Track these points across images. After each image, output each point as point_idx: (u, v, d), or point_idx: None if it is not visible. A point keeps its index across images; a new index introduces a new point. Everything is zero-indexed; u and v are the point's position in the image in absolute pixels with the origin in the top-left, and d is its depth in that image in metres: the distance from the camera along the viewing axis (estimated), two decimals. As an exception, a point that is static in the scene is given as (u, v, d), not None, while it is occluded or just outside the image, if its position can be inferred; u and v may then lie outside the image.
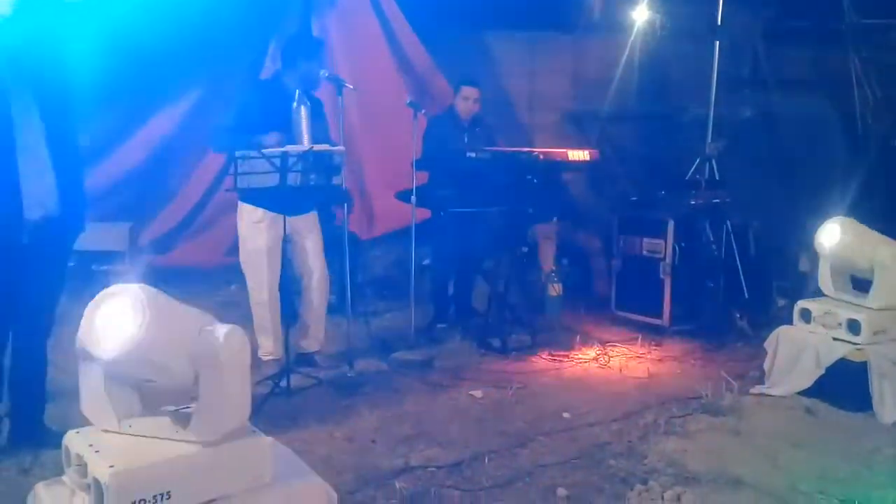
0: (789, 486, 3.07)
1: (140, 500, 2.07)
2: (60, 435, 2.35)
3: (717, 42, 6.24)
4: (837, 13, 8.08)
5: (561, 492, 3.02)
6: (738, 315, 5.39)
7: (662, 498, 2.96)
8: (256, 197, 4.06)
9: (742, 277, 5.66)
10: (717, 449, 3.41)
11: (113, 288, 2.20)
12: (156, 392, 2.35)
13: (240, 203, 4.21)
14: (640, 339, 5.06)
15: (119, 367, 2.21)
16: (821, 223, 4.32)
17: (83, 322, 2.18)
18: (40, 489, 2.32)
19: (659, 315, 5.29)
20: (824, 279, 4.23)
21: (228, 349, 2.19)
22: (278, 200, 3.97)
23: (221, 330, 2.21)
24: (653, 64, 7.57)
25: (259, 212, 4.12)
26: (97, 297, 2.19)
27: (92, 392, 2.29)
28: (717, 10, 6.17)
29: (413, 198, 4.74)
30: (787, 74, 7.94)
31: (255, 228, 4.15)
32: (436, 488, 3.03)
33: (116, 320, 2.13)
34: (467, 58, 7.13)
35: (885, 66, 7.56)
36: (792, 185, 6.97)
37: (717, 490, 3.03)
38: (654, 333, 5.18)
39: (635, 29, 7.21)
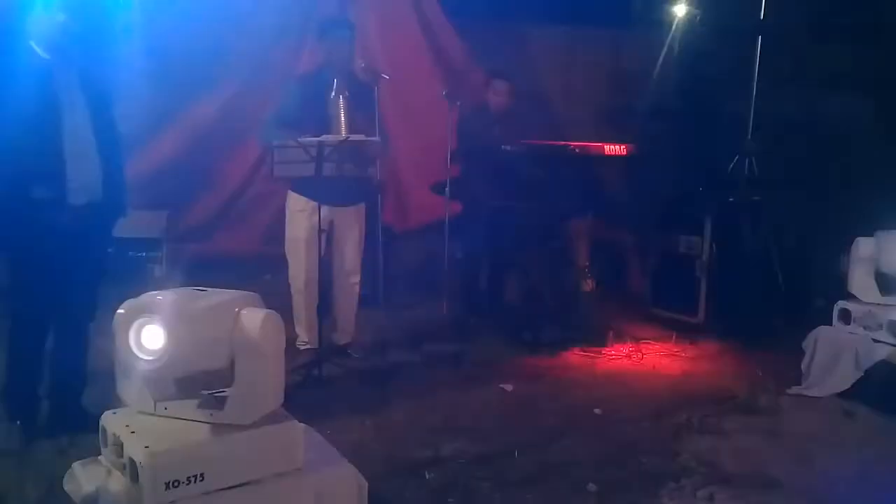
0: (826, 488, 3.01)
1: (174, 481, 2.10)
2: (97, 417, 2.39)
3: (760, 37, 6.13)
4: (882, 10, 7.90)
5: (591, 487, 3.00)
6: (775, 315, 5.29)
7: (695, 496, 2.93)
8: (301, 185, 4.10)
9: (780, 277, 5.56)
10: (751, 449, 3.37)
11: (144, 299, 2.20)
12: (191, 377, 2.37)
13: (288, 191, 4.26)
14: (674, 337, 5.00)
15: (157, 373, 2.21)
16: (861, 225, 4.24)
17: (119, 326, 2.19)
18: (77, 468, 2.36)
19: (694, 313, 5.22)
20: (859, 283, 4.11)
21: (264, 334, 2.21)
22: (318, 190, 4.00)
23: (258, 315, 2.23)
24: (692, 59, 7.47)
25: (302, 200, 4.15)
26: (129, 306, 2.19)
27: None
28: (761, 5, 6.06)
29: (447, 190, 4.73)
30: (829, 72, 7.79)
31: (297, 217, 4.19)
32: (465, 480, 3.03)
33: (148, 338, 2.14)
34: (504, 51, 7.09)
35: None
36: (833, 185, 6.83)
37: (752, 490, 2.98)
38: (689, 332, 5.11)
39: (674, 24, 7.12)
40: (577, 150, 4.83)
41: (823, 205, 6.48)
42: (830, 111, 7.26)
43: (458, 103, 4.81)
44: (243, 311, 2.24)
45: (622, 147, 5.03)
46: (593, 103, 7.75)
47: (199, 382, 2.36)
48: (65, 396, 3.37)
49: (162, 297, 2.18)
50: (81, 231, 3.19)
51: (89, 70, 3.23)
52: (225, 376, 2.26)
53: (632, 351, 4.77)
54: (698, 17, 7.13)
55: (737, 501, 2.90)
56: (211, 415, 2.26)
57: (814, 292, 5.70)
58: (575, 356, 4.69)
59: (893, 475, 3.16)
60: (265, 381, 2.25)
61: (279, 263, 4.95)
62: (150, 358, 2.13)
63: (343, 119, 4.03)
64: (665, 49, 7.35)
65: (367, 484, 2.42)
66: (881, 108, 7.61)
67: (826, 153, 7.07)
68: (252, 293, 2.39)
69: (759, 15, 6.12)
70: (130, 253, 6.20)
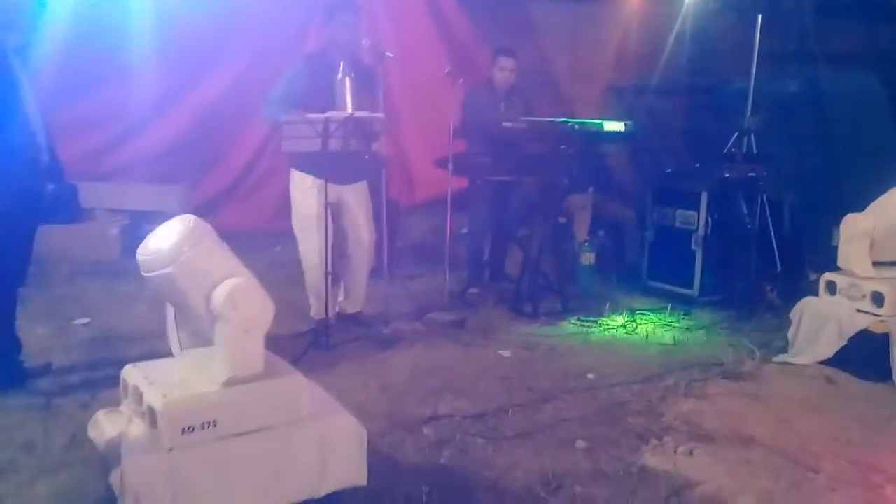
0: (800, 446, 3.19)
1: (189, 427, 2.31)
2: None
3: (760, 15, 6.21)
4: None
5: (579, 444, 3.18)
6: (769, 287, 5.44)
7: (675, 452, 3.11)
8: (306, 164, 4.26)
9: (775, 250, 5.69)
10: (733, 411, 3.54)
11: (177, 217, 2.48)
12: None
13: (292, 170, 4.42)
14: (669, 309, 5.16)
15: (154, 284, 2.45)
16: (858, 200, 4.39)
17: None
18: (100, 416, 2.58)
19: (689, 285, 5.38)
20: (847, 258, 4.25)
21: (231, 304, 2.37)
22: (325, 168, 4.15)
23: (227, 286, 2.37)
24: (699, 36, 7.55)
25: (309, 178, 4.31)
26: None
27: (168, 325, 2.59)
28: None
29: (450, 165, 4.88)
30: (834, 49, 7.85)
31: (305, 194, 4.34)
32: (461, 436, 3.22)
33: (165, 234, 2.41)
34: (510, 27, 7.20)
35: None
36: (833, 161, 6.94)
37: (730, 447, 3.16)
38: (684, 303, 5.26)
39: (685, 1, 7.19)
40: (576, 127, 4.96)
41: (822, 181, 6.61)
42: (835, 88, 7.35)
43: (461, 80, 4.92)
44: (225, 280, 2.40)
45: (621, 124, 5.15)
46: (599, 80, 7.87)
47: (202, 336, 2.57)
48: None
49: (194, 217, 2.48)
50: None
51: (24, 51, 3.49)
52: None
53: (627, 321, 4.94)
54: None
55: (715, 457, 3.08)
56: (203, 370, 2.47)
57: (808, 266, 5.84)
58: (572, 326, 4.86)
59: (867, 435, 3.33)
60: (234, 348, 2.40)
61: (289, 236, 5.15)
62: (151, 255, 2.38)
63: (349, 100, 4.17)
64: (678, 25, 7.43)
65: (366, 433, 2.61)
66: (887, 85, 7.69)
67: (828, 130, 7.18)
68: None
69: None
70: (145, 225, 6.41)
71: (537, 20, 7.73)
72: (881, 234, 4.16)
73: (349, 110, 4.10)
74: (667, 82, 7.57)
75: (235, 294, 2.38)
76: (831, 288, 4.22)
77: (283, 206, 6.55)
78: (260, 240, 6.24)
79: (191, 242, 2.38)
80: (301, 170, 4.35)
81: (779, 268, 5.65)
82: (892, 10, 7.98)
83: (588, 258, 5.87)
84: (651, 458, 3.05)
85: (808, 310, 4.25)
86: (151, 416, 2.34)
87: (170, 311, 2.58)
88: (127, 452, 2.31)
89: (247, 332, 2.43)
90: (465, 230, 5.83)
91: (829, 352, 4.07)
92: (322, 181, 4.20)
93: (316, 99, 4.12)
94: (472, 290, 5.43)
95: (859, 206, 4.42)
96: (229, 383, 2.40)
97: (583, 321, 4.92)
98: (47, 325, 4.41)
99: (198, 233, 2.41)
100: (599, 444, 3.18)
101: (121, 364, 2.66)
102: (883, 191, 4.67)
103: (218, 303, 2.37)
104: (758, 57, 6.33)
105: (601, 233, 6.37)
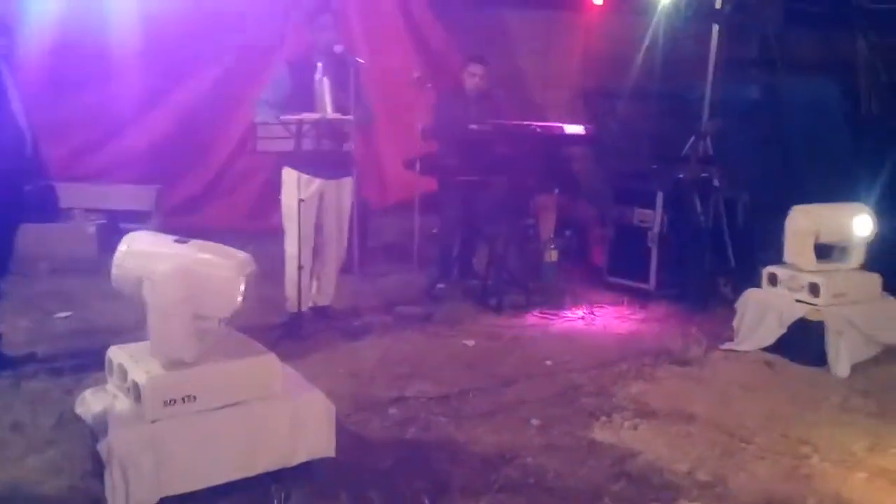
0: (736, 421, 3.47)
1: (171, 400, 2.53)
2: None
3: (716, 25, 6.53)
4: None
5: (534, 422, 3.44)
6: (722, 282, 5.73)
7: (622, 427, 3.38)
8: (295, 161, 4.45)
9: (729, 247, 5.99)
10: (678, 392, 3.82)
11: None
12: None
13: (284, 167, 4.59)
14: (626, 302, 5.44)
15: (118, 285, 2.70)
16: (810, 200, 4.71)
17: None
18: (87, 394, 2.80)
19: (646, 280, 5.65)
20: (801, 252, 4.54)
21: (155, 293, 2.55)
22: (310, 164, 4.37)
23: (157, 274, 2.55)
24: (667, 43, 7.84)
25: (295, 174, 4.51)
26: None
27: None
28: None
29: (417, 165, 5.11)
30: (795, 57, 8.19)
31: (291, 189, 4.55)
32: (425, 415, 3.46)
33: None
34: (483, 35, 7.45)
35: (892, 51, 7.85)
36: (788, 163, 7.27)
37: (671, 423, 3.44)
38: (640, 297, 5.54)
39: (658, 8, 7.40)
40: (539, 130, 5.22)
41: (778, 182, 6.93)
42: (795, 94, 7.69)
43: (429, 85, 5.16)
44: (157, 267, 2.57)
45: (581, 127, 5.42)
46: (568, 86, 8.16)
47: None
48: None
49: (137, 234, 2.73)
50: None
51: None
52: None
53: (586, 314, 5.20)
54: (674, 3, 7.47)
55: (657, 431, 3.35)
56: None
57: (760, 261, 6.15)
58: (534, 318, 5.11)
59: (799, 413, 3.62)
60: (161, 334, 2.58)
61: (262, 236, 5.37)
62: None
63: (328, 99, 4.40)
64: (647, 32, 7.69)
65: (334, 407, 2.84)
66: (844, 92, 8.06)
67: (788, 134, 7.52)
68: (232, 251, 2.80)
69: (716, 3, 6.49)
70: (121, 225, 6.58)
71: (509, 28, 8.01)
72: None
73: (328, 108, 4.32)
74: (635, 88, 7.85)
75: (152, 281, 2.54)
76: (773, 280, 4.52)
77: (259, 206, 6.82)
78: (234, 239, 6.37)
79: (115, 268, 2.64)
80: (290, 166, 4.53)
81: (732, 263, 5.94)
82: (848, 20, 8.38)
83: (551, 255, 6.13)
84: (599, 433, 3.32)
85: (751, 300, 4.55)
86: (136, 391, 2.55)
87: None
88: (113, 424, 2.52)
89: (165, 316, 2.56)
90: (435, 230, 6.07)
91: (770, 339, 4.36)
92: (307, 176, 4.42)
93: (300, 102, 4.33)
94: (441, 286, 5.65)
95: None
96: (167, 367, 2.58)
97: (544, 314, 5.18)
98: (29, 319, 4.59)
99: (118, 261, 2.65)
100: (553, 422, 3.44)
101: (102, 353, 2.84)
102: (833, 191, 4.99)
103: (148, 290, 2.56)
104: (723, 64, 6.62)
105: (567, 233, 6.64)
